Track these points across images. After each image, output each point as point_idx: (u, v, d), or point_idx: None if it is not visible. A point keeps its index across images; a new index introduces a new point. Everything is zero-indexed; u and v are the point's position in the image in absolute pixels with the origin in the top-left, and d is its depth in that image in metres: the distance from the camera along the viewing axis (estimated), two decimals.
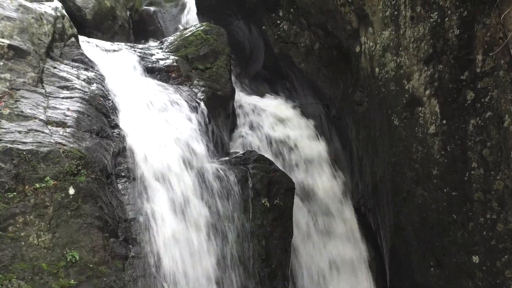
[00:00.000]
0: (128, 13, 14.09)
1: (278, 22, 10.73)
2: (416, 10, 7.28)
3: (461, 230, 6.83)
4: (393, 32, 7.76)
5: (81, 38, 9.25)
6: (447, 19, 6.82)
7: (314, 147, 10.19)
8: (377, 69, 8.19)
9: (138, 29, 14.19)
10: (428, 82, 7.14)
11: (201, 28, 10.47)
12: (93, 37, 11.79)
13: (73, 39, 8.33)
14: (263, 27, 11.04)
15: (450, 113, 6.90)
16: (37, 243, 5.79)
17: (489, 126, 6.40)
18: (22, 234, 5.75)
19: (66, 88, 7.31)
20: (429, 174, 7.23)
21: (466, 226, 6.76)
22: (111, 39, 12.60)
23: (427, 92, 7.16)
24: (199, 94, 8.97)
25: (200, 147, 8.05)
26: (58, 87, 7.25)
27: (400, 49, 7.63)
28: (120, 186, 6.87)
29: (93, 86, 7.67)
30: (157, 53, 9.91)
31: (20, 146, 5.95)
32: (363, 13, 8.45)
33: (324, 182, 9.68)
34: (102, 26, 12.87)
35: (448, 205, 7.00)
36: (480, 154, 6.53)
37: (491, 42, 6.34)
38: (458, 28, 6.70)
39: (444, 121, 6.98)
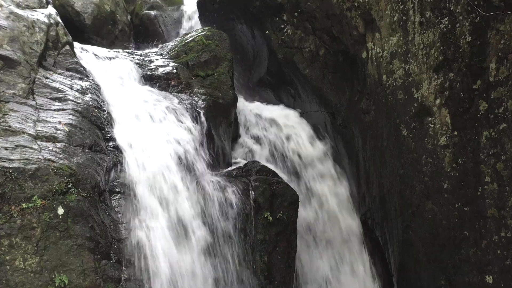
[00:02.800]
0: (128, 17, 13.84)
1: (282, 26, 10.48)
2: (426, 15, 6.99)
3: (474, 248, 6.57)
4: (401, 38, 7.49)
5: (77, 45, 8.96)
6: (458, 25, 6.56)
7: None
8: (384, 77, 7.90)
9: (139, 34, 13.95)
10: (439, 91, 6.87)
11: (203, 33, 10.19)
12: (92, 42, 11.58)
13: (67, 47, 8.05)
14: (267, 32, 10.79)
15: (461, 124, 6.64)
16: (23, 267, 5.52)
17: (503, 139, 6.13)
18: (8, 257, 5.47)
19: (58, 99, 7.03)
20: (440, 188, 6.97)
21: (479, 244, 6.50)
22: (111, 44, 12.38)
23: (437, 101, 6.88)
24: (199, 103, 8.67)
25: (199, 160, 7.77)
26: (50, 98, 6.97)
27: (409, 56, 7.36)
28: (114, 203, 6.58)
29: (87, 97, 7.39)
30: (157, 59, 9.63)
31: (6, 164, 5.66)
32: (370, 17, 8.18)
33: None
34: (102, 31, 12.60)
35: (459, 221, 6.74)
36: (493, 168, 6.26)
37: (505, 49, 6.08)
38: (470, 34, 6.43)
39: (456, 132, 6.71)
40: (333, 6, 8.87)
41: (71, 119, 6.78)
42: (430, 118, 7.04)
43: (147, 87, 8.74)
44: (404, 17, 7.41)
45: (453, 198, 6.78)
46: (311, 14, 9.66)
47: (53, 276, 5.61)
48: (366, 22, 8.35)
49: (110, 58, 9.17)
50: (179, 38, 10.73)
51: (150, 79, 8.98)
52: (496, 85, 6.19)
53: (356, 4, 8.34)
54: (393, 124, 7.74)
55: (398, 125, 7.58)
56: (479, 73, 6.38)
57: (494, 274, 6.32)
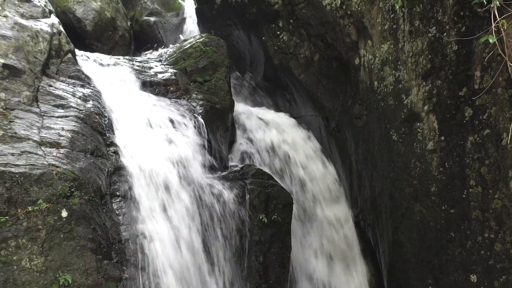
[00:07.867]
0: (129, 23, 14.05)
1: (278, 32, 10.67)
2: (415, 25, 7.17)
3: (459, 249, 6.76)
4: (392, 46, 7.67)
5: (79, 52, 9.21)
6: (445, 34, 6.72)
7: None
8: (376, 83, 8.10)
9: (139, 39, 14.14)
10: (427, 98, 7.04)
11: (200, 39, 10.42)
12: (93, 48, 11.81)
13: (69, 55, 8.30)
14: (263, 38, 10.98)
15: (448, 130, 6.82)
16: (29, 267, 5.79)
17: (487, 144, 6.32)
18: (15, 258, 5.74)
19: (62, 106, 7.28)
20: (428, 190, 7.15)
21: (464, 245, 6.69)
22: (111, 49, 12.60)
23: (426, 107, 7.07)
24: (197, 108, 8.91)
25: (197, 163, 8.01)
26: (54, 105, 7.22)
27: (399, 63, 7.53)
28: (115, 206, 6.83)
29: (89, 104, 7.64)
30: (156, 66, 9.87)
31: (12, 169, 5.93)
32: (362, 25, 8.36)
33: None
34: (103, 37, 12.82)
35: (446, 222, 6.92)
36: (478, 172, 6.44)
37: (490, 58, 6.24)
38: (456, 43, 6.60)
39: (443, 138, 6.89)
40: (326, 14, 9.06)
41: (74, 126, 7.04)
42: (418, 124, 7.21)
43: (147, 93, 8.97)
44: (394, 26, 7.58)
45: (440, 200, 6.96)
46: (306, 21, 9.84)
47: (58, 276, 5.87)
48: (358, 30, 8.53)
49: (110, 65, 9.42)
50: (178, 45, 10.95)
51: (149, 85, 9.22)
52: (481, 92, 6.34)
53: (349, 12, 8.51)
54: (384, 129, 7.94)
55: (389, 130, 7.77)
56: (465, 81, 6.55)
57: (478, 273, 6.51)
